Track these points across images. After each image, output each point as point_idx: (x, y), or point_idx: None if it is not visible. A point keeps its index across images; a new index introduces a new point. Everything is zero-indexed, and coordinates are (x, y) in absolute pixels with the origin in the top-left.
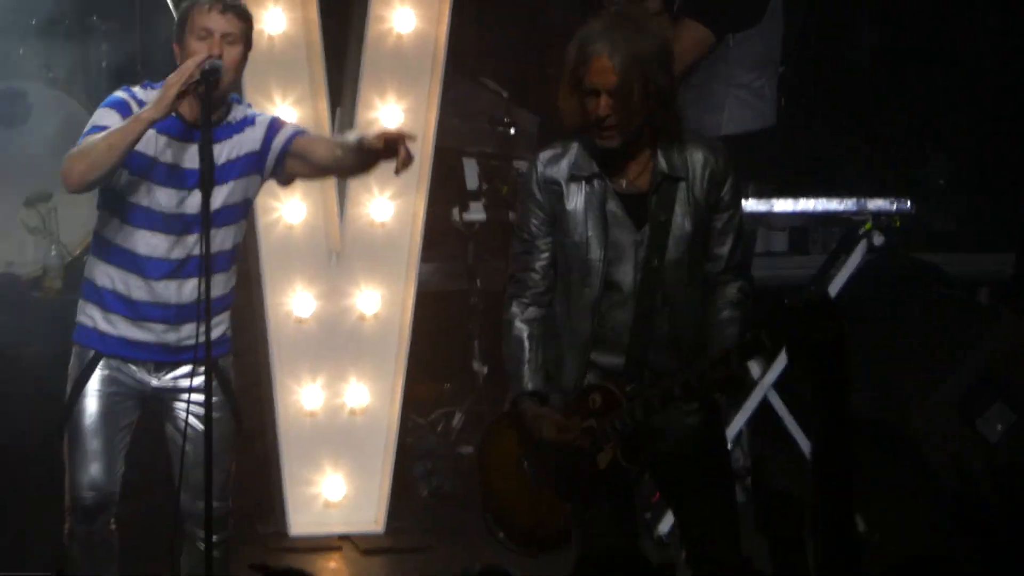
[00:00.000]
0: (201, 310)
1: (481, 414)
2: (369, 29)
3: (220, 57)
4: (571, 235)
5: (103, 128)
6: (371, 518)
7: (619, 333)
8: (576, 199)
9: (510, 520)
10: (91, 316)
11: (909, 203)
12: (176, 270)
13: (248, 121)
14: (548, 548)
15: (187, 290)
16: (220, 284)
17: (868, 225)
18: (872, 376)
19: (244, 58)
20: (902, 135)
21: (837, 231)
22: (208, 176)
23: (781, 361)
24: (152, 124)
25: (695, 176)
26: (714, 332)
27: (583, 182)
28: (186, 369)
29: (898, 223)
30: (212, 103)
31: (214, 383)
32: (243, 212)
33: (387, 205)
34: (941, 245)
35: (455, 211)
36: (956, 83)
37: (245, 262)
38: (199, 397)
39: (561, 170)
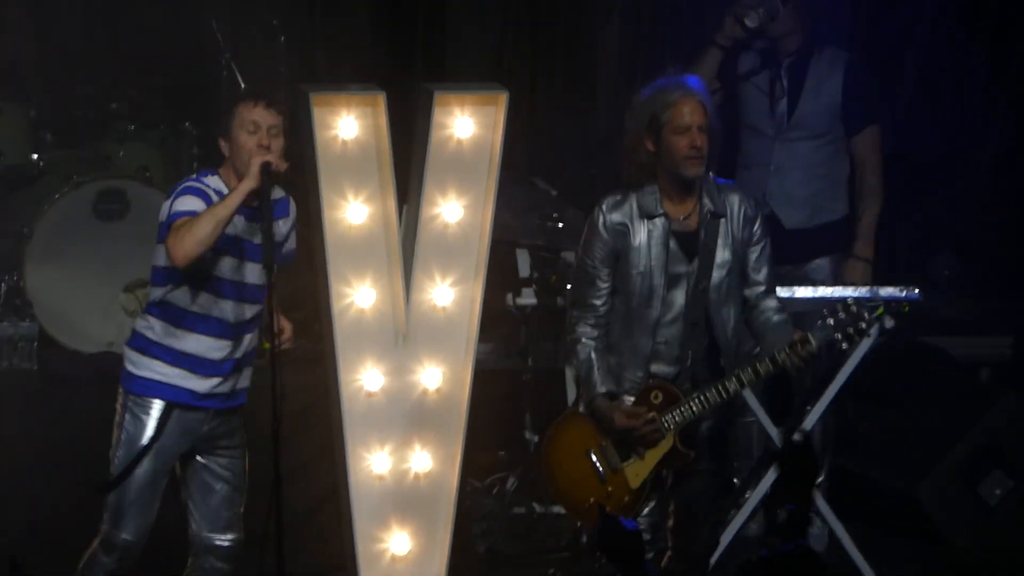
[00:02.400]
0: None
1: (532, 479)
2: (432, 135)
3: (268, 147)
4: (637, 266)
5: (190, 212)
6: (434, 572)
7: (671, 346)
8: (641, 236)
9: (573, 502)
10: (158, 371)
11: (917, 291)
12: (237, 330)
13: (283, 209)
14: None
15: (243, 346)
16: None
17: (880, 310)
18: (884, 447)
19: (283, 150)
20: (914, 231)
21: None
22: (270, 260)
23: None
24: (247, 196)
25: (732, 214)
26: (772, 329)
27: (647, 221)
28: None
29: (907, 309)
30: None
31: (239, 424)
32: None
33: (448, 291)
34: (946, 329)
35: (509, 297)
36: (963, 187)
37: (319, 343)
38: (226, 441)
39: (627, 212)
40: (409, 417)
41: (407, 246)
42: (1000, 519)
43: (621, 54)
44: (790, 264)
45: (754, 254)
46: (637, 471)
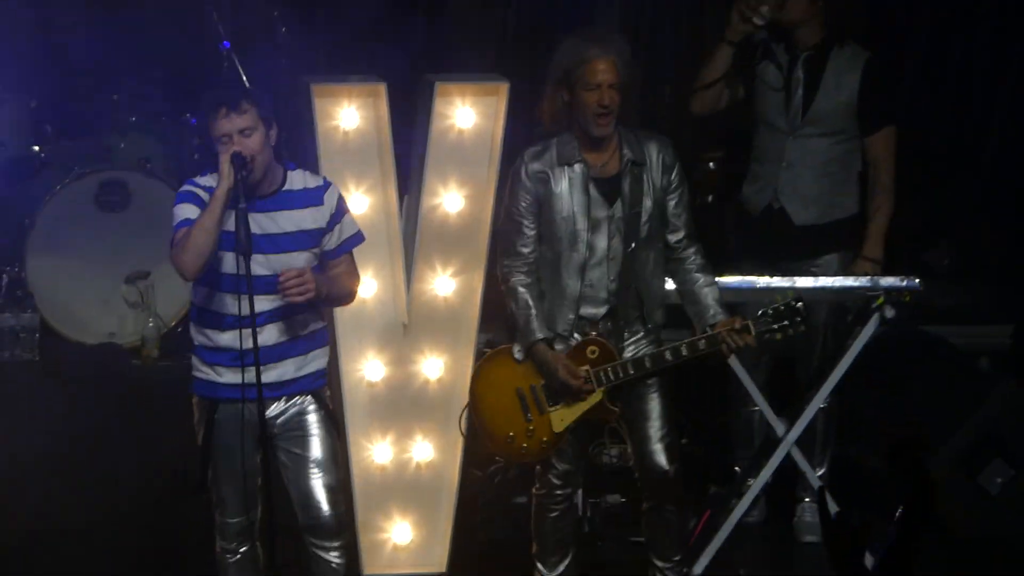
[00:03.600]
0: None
1: (532, 468)
2: (433, 125)
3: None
4: (560, 212)
5: (187, 221)
6: (435, 560)
7: (597, 289)
8: (562, 183)
9: (492, 432)
10: (200, 369)
11: (917, 281)
12: (251, 320)
13: (313, 197)
14: (513, 460)
15: (265, 336)
16: (304, 324)
17: (881, 300)
18: (885, 435)
19: (265, 140)
20: (913, 221)
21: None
22: (247, 247)
23: (806, 418)
24: (228, 196)
25: (652, 163)
26: (698, 294)
27: (567, 168)
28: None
29: (908, 298)
30: (250, 185)
31: (313, 405)
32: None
33: (449, 282)
34: (945, 319)
35: None
36: (962, 176)
37: None
38: (296, 427)
39: (547, 161)
40: (410, 407)
41: (408, 236)
42: (1001, 508)
43: None
44: (798, 259)
45: (673, 200)
46: (562, 416)
